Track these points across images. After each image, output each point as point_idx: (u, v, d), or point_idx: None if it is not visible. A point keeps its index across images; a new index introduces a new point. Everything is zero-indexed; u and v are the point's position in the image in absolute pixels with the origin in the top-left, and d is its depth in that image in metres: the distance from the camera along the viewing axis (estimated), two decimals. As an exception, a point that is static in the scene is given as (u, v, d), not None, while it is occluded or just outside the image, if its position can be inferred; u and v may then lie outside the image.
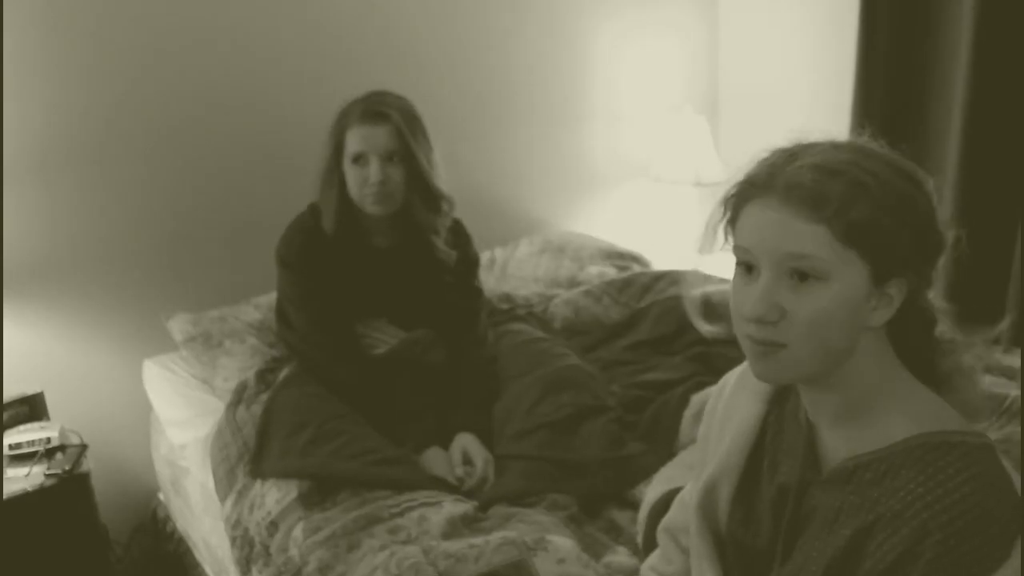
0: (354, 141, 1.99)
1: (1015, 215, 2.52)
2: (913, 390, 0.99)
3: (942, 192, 2.67)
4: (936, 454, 0.92)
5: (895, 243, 0.93)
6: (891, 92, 2.80)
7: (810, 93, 3.12)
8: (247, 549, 1.81)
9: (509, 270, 2.82)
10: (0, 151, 2.23)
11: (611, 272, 2.72)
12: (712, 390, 1.24)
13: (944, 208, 2.63)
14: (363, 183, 2.00)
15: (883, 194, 0.93)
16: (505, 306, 2.49)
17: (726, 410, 1.17)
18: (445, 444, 1.99)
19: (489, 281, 2.66)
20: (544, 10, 3.02)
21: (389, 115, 1.99)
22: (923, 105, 2.79)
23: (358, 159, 1.99)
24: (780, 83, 3.21)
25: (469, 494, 1.86)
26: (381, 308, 2.17)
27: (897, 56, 2.76)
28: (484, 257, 2.68)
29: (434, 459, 1.95)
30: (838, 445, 1.02)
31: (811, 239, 0.92)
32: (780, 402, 1.12)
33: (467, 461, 1.95)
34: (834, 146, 0.97)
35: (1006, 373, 2.01)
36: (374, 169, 1.98)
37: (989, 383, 1.88)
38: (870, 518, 0.94)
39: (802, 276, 0.93)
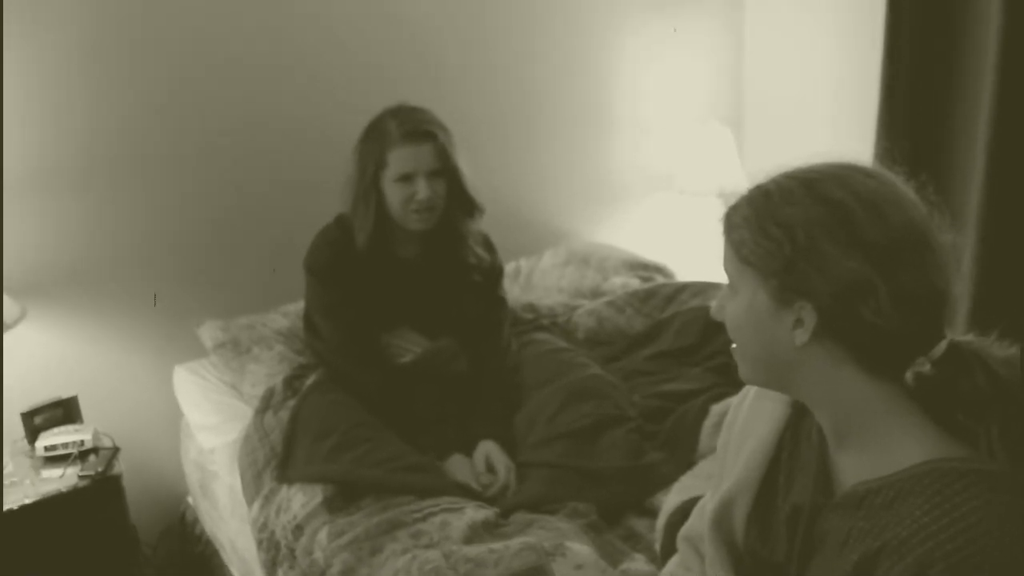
0: (400, 161, 2.02)
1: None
2: (919, 418, 0.98)
3: (966, 205, 2.65)
4: (944, 482, 0.92)
5: (778, 268, 0.97)
6: (916, 104, 2.79)
7: (835, 106, 3.12)
8: (273, 552, 1.85)
9: (534, 280, 2.85)
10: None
11: (635, 283, 2.73)
12: (732, 401, 1.26)
13: (968, 218, 2.64)
14: (408, 200, 2.03)
15: (771, 222, 0.98)
16: (529, 316, 2.52)
17: (745, 422, 1.19)
18: (468, 452, 2.02)
19: (513, 291, 2.69)
20: (570, 23, 3.04)
21: (435, 134, 2.03)
22: (948, 118, 2.79)
23: (404, 178, 2.03)
24: (805, 96, 3.22)
25: (491, 501, 1.89)
26: (406, 318, 2.21)
27: (922, 68, 2.76)
28: (509, 267, 2.71)
29: (457, 466, 1.98)
30: (849, 468, 1.03)
31: (726, 256, 1.04)
32: (798, 419, 1.13)
33: (490, 468, 1.98)
34: (785, 176, 1.02)
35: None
36: (422, 187, 2.02)
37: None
38: (877, 544, 0.94)
39: (732, 287, 1.04)
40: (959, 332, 1.01)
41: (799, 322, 0.97)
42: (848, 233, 0.94)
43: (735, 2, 3.36)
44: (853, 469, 1.02)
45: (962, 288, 2.76)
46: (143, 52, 2.41)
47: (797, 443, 1.12)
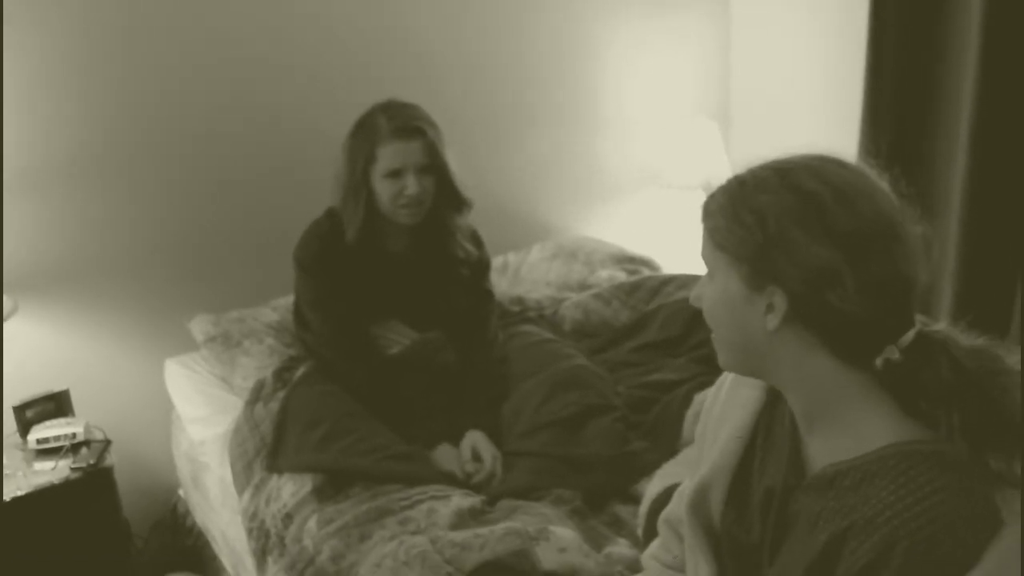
0: (389, 157, 2.04)
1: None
2: (887, 403, 1.01)
3: (949, 198, 2.69)
4: (909, 463, 0.95)
5: (750, 254, 1.00)
6: (899, 99, 2.83)
7: (820, 100, 3.15)
8: (263, 540, 1.87)
9: (522, 274, 2.88)
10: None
11: (621, 276, 2.76)
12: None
13: (951, 211, 2.67)
14: (397, 196, 2.06)
15: (744, 210, 1.01)
16: (516, 308, 2.54)
17: (723, 408, 1.21)
18: (455, 442, 2.05)
19: (501, 284, 2.71)
20: (558, 19, 3.07)
21: (424, 130, 2.06)
22: (931, 113, 2.82)
23: (393, 174, 2.05)
24: (791, 91, 3.25)
25: (477, 489, 1.92)
26: (395, 310, 2.23)
27: (906, 64, 2.80)
28: (497, 261, 2.73)
29: (444, 455, 2.01)
30: (819, 451, 1.06)
31: (703, 243, 1.07)
32: (773, 404, 1.15)
33: (476, 457, 2.01)
34: (761, 166, 1.05)
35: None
36: (411, 183, 2.04)
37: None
38: (845, 524, 0.97)
39: (709, 274, 1.07)
40: (943, 323, 1.04)
41: (770, 307, 1.00)
42: (818, 221, 0.97)
43: (721, -1, 3.40)
44: (823, 452, 1.05)
45: (944, 280, 2.81)
46: (133, 50, 2.43)
47: (771, 429, 1.14)
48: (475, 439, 2.03)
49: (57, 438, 2.26)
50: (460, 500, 1.78)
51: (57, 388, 2.38)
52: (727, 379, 1.24)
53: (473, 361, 2.21)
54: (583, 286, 2.74)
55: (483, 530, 1.62)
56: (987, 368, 0.97)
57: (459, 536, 1.60)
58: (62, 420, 2.33)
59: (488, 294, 2.34)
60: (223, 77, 2.56)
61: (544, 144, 3.15)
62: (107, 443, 2.31)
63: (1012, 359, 0.98)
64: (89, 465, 2.21)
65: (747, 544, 1.14)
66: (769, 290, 1.00)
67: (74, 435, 2.28)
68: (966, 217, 2.68)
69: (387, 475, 1.87)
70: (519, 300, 2.60)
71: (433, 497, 1.79)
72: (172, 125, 2.52)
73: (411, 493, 1.81)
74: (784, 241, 0.98)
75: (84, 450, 2.27)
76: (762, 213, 1.00)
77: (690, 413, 1.95)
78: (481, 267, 2.32)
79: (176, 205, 2.56)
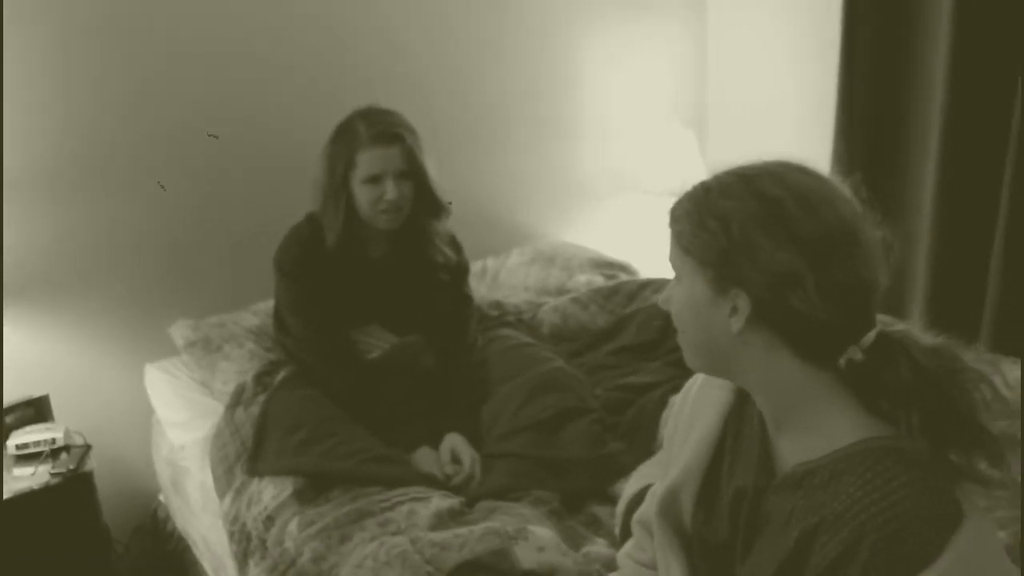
0: (369, 163, 2.06)
1: (994, 215, 2.60)
2: (851, 401, 1.04)
3: (920, 202, 2.73)
4: (874, 458, 0.98)
5: (715, 259, 1.03)
6: (872, 104, 2.89)
7: (795, 106, 3.20)
8: (244, 543, 1.88)
9: (500, 279, 2.90)
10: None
11: (599, 280, 2.80)
12: None
13: (923, 215, 2.72)
14: (377, 201, 2.08)
15: (708, 215, 1.04)
16: (495, 313, 2.57)
17: (692, 409, 1.24)
18: (435, 445, 2.07)
19: (480, 289, 2.74)
20: (536, 26, 3.11)
21: (402, 136, 2.08)
22: (903, 117, 2.88)
23: (372, 179, 2.08)
24: (766, 97, 3.30)
25: (457, 491, 1.94)
26: (374, 315, 2.25)
27: (878, 68, 2.86)
28: (476, 266, 2.76)
29: (424, 458, 2.03)
30: (788, 451, 1.08)
31: (670, 247, 1.10)
32: (741, 405, 1.17)
33: (455, 460, 2.03)
34: (726, 172, 1.08)
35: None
36: (390, 188, 2.06)
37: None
38: (815, 520, 1.00)
39: (677, 277, 1.10)
40: (917, 325, 1.07)
41: (735, 310, 1.03)
42: (781, 227, 1.00)
43: (698, 6, 3.44)
44: (792, 451, 1.08)
45: (917, 283, 2.86)
46: (109, 57, 2.44)
47: (740, 430, 1.17)
48: (454, 442, 2.05)
49: (37, 443, 2.26)
50: (440, 501, 1.81)
51: (37, 393, 2.38)
52: (697, 381, 1.26)
53: (452, 365, 2.23)
54: (561, 291, 2.77)
55: (462, 530, 1.64)
56: (946, 367, 1.00)
57: (439, 536, 1.62)
58: (41, 425, 2.33)
59: (467, 298, 2.37)
60: (202, 83, 2.57)
61: (523, 151, 3.18)
62: (87, 448, 2.31)
63: (970, 357, 1.01)
64: (69, 470, 2.22)
65: (717, 545, 1.16)
66: (733, 293, 1.02)
67: (54, 440, 2.28)
68: (937, 219, 2.74)
69: (367, 477, 1.89)
70: (498, 304, 2.62)
71: (413, 499, 1.82)
72: (150, 131, 2.52)
73: (391, 495, 1.83)
74: (748, 246, 1.01)
75: (64, 455, 2.27)
76: (726, 219, 1.02)
77: (665, 415, 1.98)
78: (460, 272, 2.34)
79: (156, 210, 2.57)
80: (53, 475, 2.21)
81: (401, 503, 1.80)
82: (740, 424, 1.17)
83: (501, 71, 3.08)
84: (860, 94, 2.91)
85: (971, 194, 2.67)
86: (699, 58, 3.49)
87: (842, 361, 1.02)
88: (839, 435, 1.02)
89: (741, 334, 1.03)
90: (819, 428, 1.04)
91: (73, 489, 2.23)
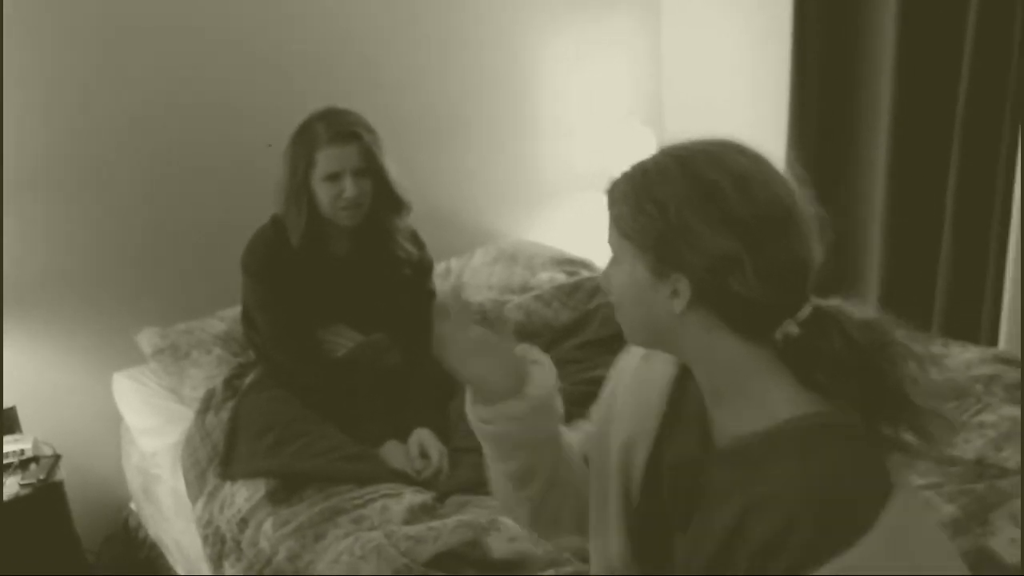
0: (327, 161, 2.10)
1: (943, 202, 2.69)
2: (787, 377, 1.06)
3: (872, 194, 2.82)
4: (811, 434, 1.01)
5: (654, 243, 1.04)
6: (823, 99, 2.99)
7: (750, 103, 3.27)
8: (219, 546, 1.91)
9: (464, 278, 2.94)
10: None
11: (561, 278, 2.84)
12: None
13: (874, 207, 2.81)
14: (336, 198, 2.12)
15: (646, 199, 1.05)
16: (460, 311, 2.60)
17: (637, 376, 1.23)
18: (403, 439, 2.10)
19: (445, 289, 2.76)
20: (494, 27, 3.15)
21: (360, 135, 2.12)
22: (854, 111, 2.97)
23: (332, 177, 2.11)
24: (721, 94, 3.36)
25: (426, 484, 1.98)
26: (340, 314, 2.28)
27: (828, 63, 2.96)
28: (440, 267, 2.79)
29: (392, 452, 2.07)
30: (726, 425, 1.10)
31: (609, 229, 1.10)
32: (684, 377, 1.18)
33: (424, 454, 2.07)
34: (663, 153, 1.09)
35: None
36: (348, 185, 2.10)
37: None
38: (754, 494, 1.02)
39: (615, 259, 1.11)
40: (836, 299, 1.07)
41: (675, 293, 1.05)
42: (717, 210, 1.01)
43: (652, 6, 3.50)
44: (730, 425, 1.09)
45: (871, 269, 2.95)
46: (78, 68, 2.44)
47: (681, 401, 1.18)
48: (422, 436, 2.09)
49: (5, 455, 2.26)
50: (412, 497, 1.84)
51: (4, 405, 2.37)
52: (637, 352, 1.26)
53: (418, 362, 2.26)
54: (524, 288, 2.81)
55: (436, 523, 1.68)
56: (877, 340, 1.03)
57: (413, 530, 1.66)
58: (9, 437, 2.33)
59: (431, 295, 2.40)
60: (164, 92, 2.58)
61: (484, 150, 3.22)
62: (56, 458, 2.31)
63: (900, 332, 1.04)
64: (39, 481, 2.22)
65: (658, 517, 1.17)
66: (674, 277, 1.04)
67: (22, 451, 2.28)
68: (889, 209, 2.83)
69: (339, 475, 1.92)
70: (463, 303, 2.65)
71: (385, 495, 1.85)
72: (115, 140, 2.53)
73: (363, 492, 1.86)
74: (685, 231, 1.02)
75: (33, 466, 2.27)
76: (663, 203, 1.03)
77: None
78: (423, 268, 2.38)
79: (121, 219, 2.57)
80: (23, 486, 2.21)
81: (374, 500, 1.83)
82: (681, 396, 1.18)
83: (461, 72, 3.11)
84: (812, 89, 2.99)
85: (921, 183, 2.76)
86: (654, 56, 3.55)
87: (779, 335, 1.04)
88: (775, 409, 1.04)
89: (682, 314, 1.05)
90: (756, 401, 1.06)
91: (44, 500, 2.23)
